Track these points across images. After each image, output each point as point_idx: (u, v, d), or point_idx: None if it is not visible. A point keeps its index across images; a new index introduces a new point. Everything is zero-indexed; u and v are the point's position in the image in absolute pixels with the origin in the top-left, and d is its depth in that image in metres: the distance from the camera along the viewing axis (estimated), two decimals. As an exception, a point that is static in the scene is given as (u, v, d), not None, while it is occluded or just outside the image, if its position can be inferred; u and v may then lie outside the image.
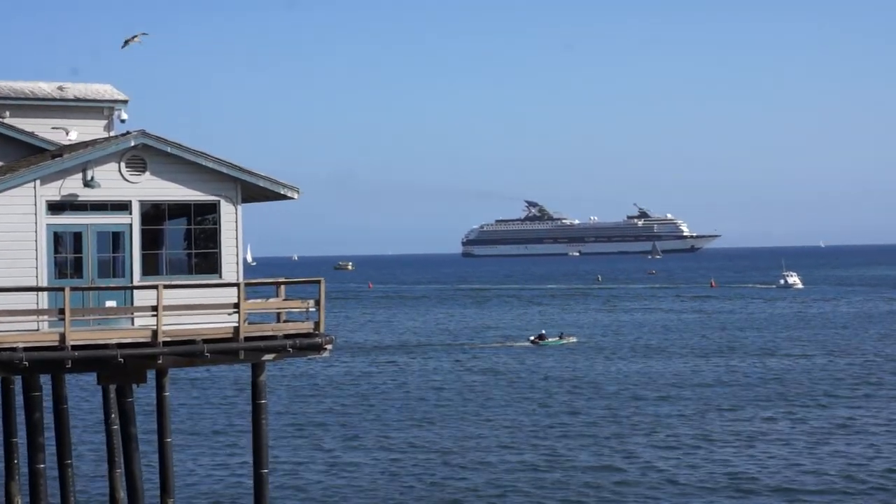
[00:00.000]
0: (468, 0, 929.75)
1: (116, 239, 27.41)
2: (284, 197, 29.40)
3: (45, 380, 29.52)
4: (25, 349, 25.17)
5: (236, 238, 28.40)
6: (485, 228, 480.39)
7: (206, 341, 26.54)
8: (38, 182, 26.60)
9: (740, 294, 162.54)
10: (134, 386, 29.11)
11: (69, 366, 25.61)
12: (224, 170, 28.05)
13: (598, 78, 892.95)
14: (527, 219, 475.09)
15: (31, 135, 29.59)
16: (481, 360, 78.75)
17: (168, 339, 26.17)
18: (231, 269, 28.24)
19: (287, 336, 27.72)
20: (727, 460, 43.06)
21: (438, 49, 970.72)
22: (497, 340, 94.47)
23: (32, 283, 26.35)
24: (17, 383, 32.68)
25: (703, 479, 40.06)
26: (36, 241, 26.54)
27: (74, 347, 25.44)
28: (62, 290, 25.57)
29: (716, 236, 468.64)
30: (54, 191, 26.78)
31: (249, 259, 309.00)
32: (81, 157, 26.91)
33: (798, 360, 75.60)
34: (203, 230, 28.29)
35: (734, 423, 50.99)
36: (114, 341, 25.85)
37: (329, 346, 28.26)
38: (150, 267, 27.66)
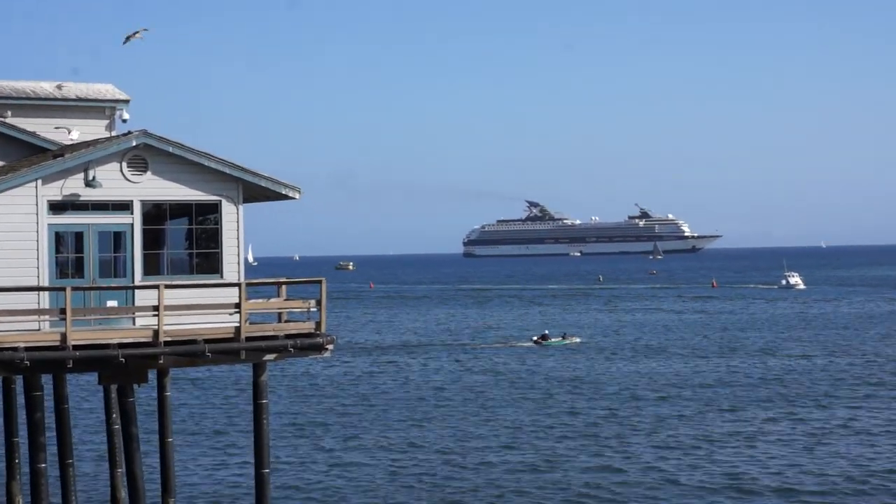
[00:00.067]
0: (468, 0, 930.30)
1: (118, 239, 27.44)
2: (286, 197, 29.42)
3: (46, 379, 29.53)
4: (27, 349, 25.21)
5: (238, 238, 28.42)
6: (486, 228, 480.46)
7: (207, 341, 26.57)
8: (39, 182, 26.63)
9: (741, 294, 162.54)
10: (135, 386, 29.12)
11: (70, 366, 25.63)
12: (226, 170, 28.07)
13: (598, 78, 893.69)
14: (528, 219, 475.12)
15: (33, 134, 29.62)
16: (482, 361, 78.76)
17: (169, 339, 26.19)
18: (232, 269, 28.26)
19: (288, 336, 27.74)
20: (728, 461, 43.06)
21: (438, 49, 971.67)
22: (498, 341, 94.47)
23: (34, 283, 26.38)
24: (19, 383, 32.70)
25: (704, 480, 40.06)
26: (37, 240, 26.57)
27: (76, 347, 25.47)
28: (63, 289, 25.59)
29: (717, 236, 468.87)
30: (56, 190, 26.81)
31: (251, 259, 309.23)
32: (83, 157, 26.93)
33: (799, 361, 75.59)
34: (204, 230, 28.32)
35: (735, 424, 50.98)
36: (115, 341, 25.88)
37: (330, 346, 28.28)
38: (151, 267, 27.68)
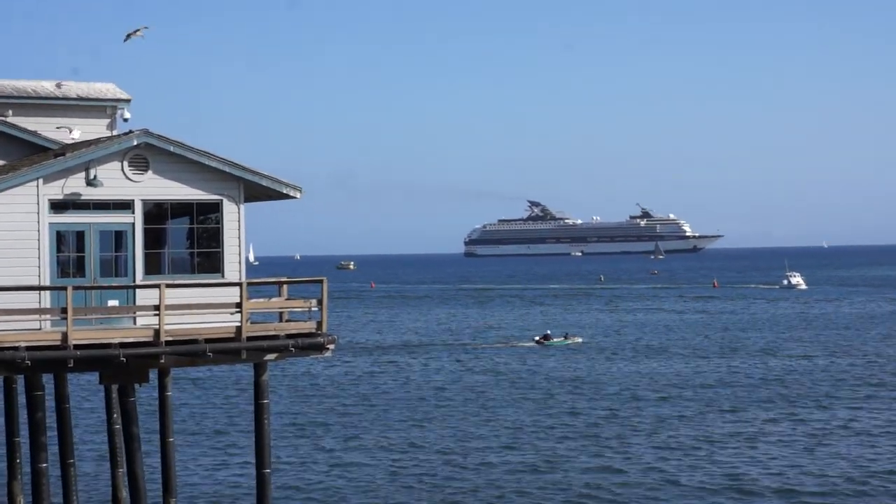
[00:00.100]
0: (468, 0, 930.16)
1: (119, 238, 27.43)
2: (287, 196, 29.41)
3: (47, 379, 29.53)
4: (28, 348, 25.20)
5: (239, 237, 28.41)
6: (487, 228, 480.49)
7: (208, 341, 26.56)
8: (40, 181, 26.62)
9: (743, 294, 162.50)
10: (136, 385, 29.14)
11: (71, 365, 25.63)
12: (227, 169, 28.05)
13: (598, 78, 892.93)
14: (529, 219, 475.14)
15: (34, 134, 29.62)
16: (483, 361, 78.74)
17: (170, 338, 26.18)
18: (233, 268, 28.25)
19: (289, 336, 27.73)
20: (728, 461, 43.04)
21: (438, 49, 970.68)
22: (499, 341, 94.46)
23: (35, 282, 26.38)
24: (20, 383, 32.69)
25: (704, 481, 40.05)
26: (38, 239, 26.56)
27: (77, 347, 25.46)
28: (65, 289, 25.57)
29: (718, 236, 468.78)
30: (57, 190, 26.81)
31: (252, 258, 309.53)
32: (84, 156, 26.92)
33: (800, 361, 75.56)
34: (206, 229, 28.31)
35: (736, 425, 50.96)
36: (116, 341, 25.87)
37: (331, 346, 28.27)
38: (152, 266, 27.67)
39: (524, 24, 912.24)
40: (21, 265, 26.34)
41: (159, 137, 27.44)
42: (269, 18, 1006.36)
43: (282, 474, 40.45)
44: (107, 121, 32.00)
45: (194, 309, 26.75)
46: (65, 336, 25.37)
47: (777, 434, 48.60)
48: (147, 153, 27.51)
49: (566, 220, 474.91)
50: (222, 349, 26.74)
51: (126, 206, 27.42)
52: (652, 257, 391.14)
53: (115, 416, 32.35)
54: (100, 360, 25.97)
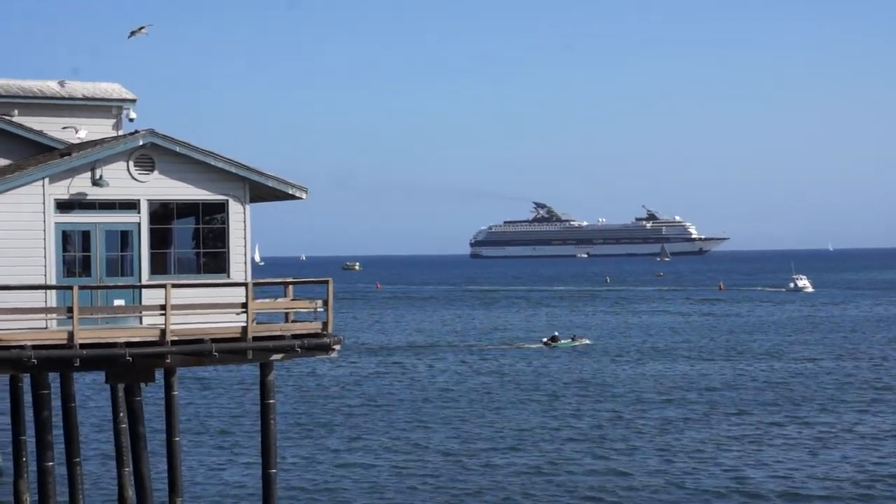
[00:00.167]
0: (468, 0, 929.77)
1: (125, 238, 27.46)
2: (293, 197, 29.42)
3: (53, 378, 29.56)
4: (34, 347, 25.24)
5: (245, 238, 28.43)
6: (493, 229, 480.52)
7: (214, 341, 26.57)
8: (46, 181, 26.66)
9: (749, 297, 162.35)
10: (142, 385, 29.15)
11: (77, 364, 25.67)
12: (233, 169, 28.07)
13: (598, 78, 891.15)
14: (535, 220, 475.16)
15: (40, 133, 29.64)
16: (489, 362, 78.74)
17: (176, 338, 26.21)
18: (239, 268, 28.27)
19: (295, 336, 27.73)
20: (733, 464, 43.00)
21: (438, 49, 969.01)
22: (505, 342, 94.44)
23: (41, 282, 26.41)
24: (26, 382, 32.72)
25: (710, 484, 40.01)
26: (44, 239, 26.58)
27: (83, 346, 25.49)
28: (70, 288, 25.61)
29: (724, 238, 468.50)
30: (63, 189, 26.83)
31: (258, 259, 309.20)
32: (90, 156, 26.96)
33: (806, 364, 75.47)
34: (211, 230, 28.33)
35: (741, 427, 50.91)
36: (122, 340, 25.90)
37: (337, 347, 28.27)
38: (158, 266, 27.70)
39: (524, 24, 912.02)
40: (27, 264, 26.38)
41: (165, 137, 27.47)
42: (269, 18, 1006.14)
43: (287, 474, 40.45)
44: (112, 121, 32.02)
45: (200, 309, 26.77)
46: (71, 335, 25.41)
47: (782, 437, 48.55)
48: (153, 153, 27.54)
49: (572, 222, 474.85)
50: (228, 349, 26.76)
51: (132, 205, 27.45)
52: (658, 259, 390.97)
53: (121, 415, 32.38)
54: (106, 359, 26.00)
